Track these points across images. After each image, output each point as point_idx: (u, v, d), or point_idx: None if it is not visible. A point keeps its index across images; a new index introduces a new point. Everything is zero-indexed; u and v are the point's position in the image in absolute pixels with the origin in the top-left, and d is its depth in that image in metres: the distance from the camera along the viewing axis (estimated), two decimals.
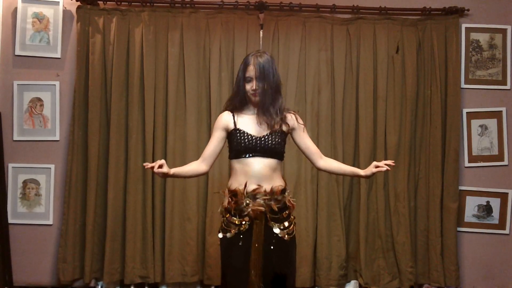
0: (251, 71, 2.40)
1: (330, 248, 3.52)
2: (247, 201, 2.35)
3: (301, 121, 2.53)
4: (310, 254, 3.50)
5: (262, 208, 2.34)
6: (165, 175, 2.32)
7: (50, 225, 3.57)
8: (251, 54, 2.45)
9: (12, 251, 3.53)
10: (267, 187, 2.36)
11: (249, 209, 2.34)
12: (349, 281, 3.60)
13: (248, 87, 2.41)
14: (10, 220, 3.54)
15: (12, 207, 3.55)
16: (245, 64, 2.43)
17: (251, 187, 2.36)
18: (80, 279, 3.53)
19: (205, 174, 2.62)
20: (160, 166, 2.27)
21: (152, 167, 2.26)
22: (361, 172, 2.50)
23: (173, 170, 2.36)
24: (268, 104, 2.40)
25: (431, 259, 3.56)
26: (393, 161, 2.47)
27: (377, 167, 2.43)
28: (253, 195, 2.35)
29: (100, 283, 3.54)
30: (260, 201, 2.35)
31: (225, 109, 2.53)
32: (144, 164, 2.32)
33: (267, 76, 2.39)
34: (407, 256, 3.53)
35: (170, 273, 3.46)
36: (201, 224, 3.51)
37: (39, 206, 3.57)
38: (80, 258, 3.49)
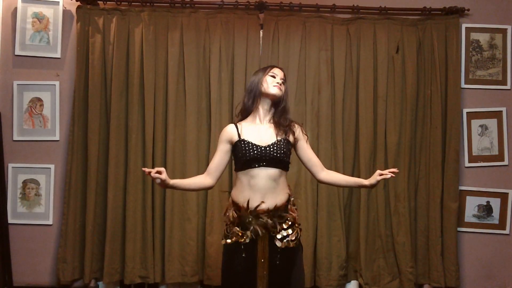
0: (278, 72, 2.50)
1: (330, 248, 3.52)
2: (250, 219, 2.34)
3: (305, 133, 2.55)
4: (310, 254, 3.49)
5: (264, 230, 2.34)
6: (164, 184, 2.30)
7: (50, 225, 3.57)
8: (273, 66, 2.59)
9: (12, 251, 3.53)
10: (270, 203, 2.35)
11: (252, 227, 2.34)
12: (349, 281, 3.59)
13: (271, 79, 2.45)
14: (10, 220, 3.54)
15: (12, 207, 3.55)
16: (270, 66, 2.54)
17: (255, 203, 2.34)
18: (80, 279, 3.53)
19: (211, 188, 2.57)
20: (159, 173, 2.26)
21: (150, 172, 2.24)
22: (366, 181, 2.48)
23: (174, 181, 2.36)
24: (287, 107, 2.49)
25: (431, 259, 3.56)
26: (397, 169, 2.47)
27: (381, 174, 2.42)
28: (256, 214, 2.34)
29: (100, 283, 3.53)
30: (262, 221, 2.34)
31: (238, 116, 2.56)
32: (143, 168, 2.31)
33: (286, 86, 2.52)
34: (407, 256, 3.52)
35: (170, 273, 3.46)
36: (201, 224, 3.51)
37: (39, 206, 3.57)
38: (80, 258, 3.49)
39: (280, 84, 2.45)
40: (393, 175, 2.42)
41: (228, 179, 3.45)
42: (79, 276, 3.51)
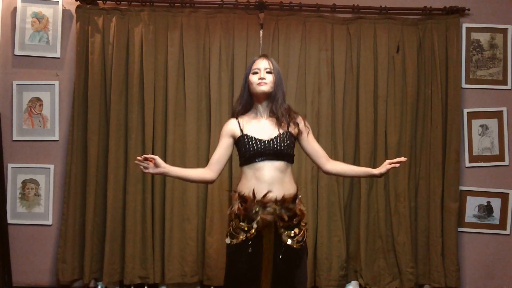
0: (260, 64, 2.43)
1: (330, 248, 3.51)
2: (257, 209, 2.30)
3: (308, 125, 2.52)
4: (310, 254, 3.48)
5: (271, 219, 2.30)
6: (161, 172, 2.34)
7: (50, 225, 3.57)
8: (259, 56, 2.53)
9: (12, 251, 3.52)
10: (278, 193, 2.31)
11: (258, 217, 2.29)
12: (349, 282, 3.58)
13: (255, 78, 2.41)
14: (9, 220, 3.53)
15: (12, 207, 3.55)
16: (253, 61, 2.48)
17: (262, 193, 2.30)
18: (80, 279, 3.52)
19: (213, 182, 2.53)
20: (153, 163, 2.29)
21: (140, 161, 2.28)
22: (375, 171, 2.47)
23: (174, 170, 2.37)
24: (278, 96, 2.41)
25: (432, 259, 3.55)
26: (405, 158, 2.49)
27: (390, 163, 2.43)
28: (263, 203, 2.30)
29: (99, 284, 3.53)
30: (270, 210, 2.30)
31: (233, 112, 2.52)
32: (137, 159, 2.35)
33: (276, 71, 2.44)
34: (408, 257, 3.52)
35: (170, 274, 3.45)
36: (200, 224, 3.50)
37: (38, 206, 3.56)
38: (80, 258, 3.48)
39: (264, 78, 2.39)
40: (399, 164, 2.43)
41: (227, 179, 3.44)
42: (78, 276, 3.50)
